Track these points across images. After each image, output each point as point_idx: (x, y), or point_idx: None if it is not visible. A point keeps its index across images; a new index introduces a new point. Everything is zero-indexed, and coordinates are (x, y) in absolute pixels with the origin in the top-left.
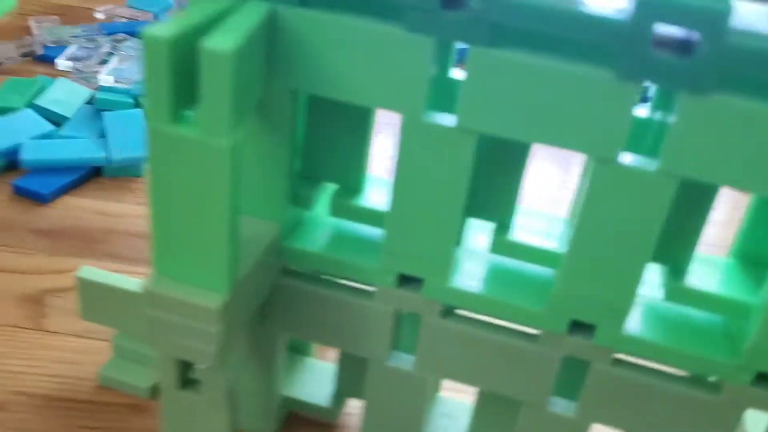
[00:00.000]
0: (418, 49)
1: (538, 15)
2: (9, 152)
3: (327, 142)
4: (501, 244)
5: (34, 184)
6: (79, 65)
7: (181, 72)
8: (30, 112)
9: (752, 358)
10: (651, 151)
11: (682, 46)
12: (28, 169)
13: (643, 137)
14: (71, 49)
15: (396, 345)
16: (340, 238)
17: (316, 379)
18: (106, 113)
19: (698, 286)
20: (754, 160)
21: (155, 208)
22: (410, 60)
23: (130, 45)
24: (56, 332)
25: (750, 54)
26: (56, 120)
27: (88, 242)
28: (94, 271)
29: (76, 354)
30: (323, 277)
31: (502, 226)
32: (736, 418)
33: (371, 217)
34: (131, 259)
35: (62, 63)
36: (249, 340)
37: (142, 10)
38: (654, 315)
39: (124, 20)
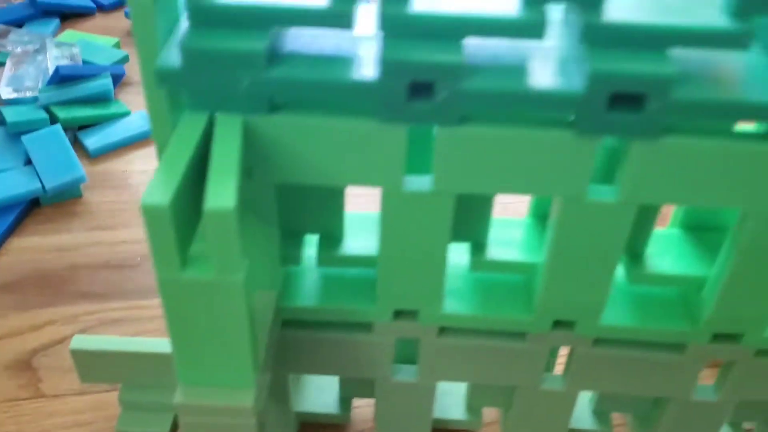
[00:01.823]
0: (392, 136)
1: (502, 98)
2: None
3: (305, 200)
4: (479, 263)
5: None
6: None
7: (182, 222)
8: None
9: (710, 324)
10: (604, 169)
11: (633, 100)
12: None
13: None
14: None
15: (397, 357)
16: (332, 286)
17: (321, 389)
18: (25, 137)
19: (656, 269)
20: (700, 183)
21: (175, 337)
22: (386, 145)
23: (16, 38)
24: (58, 395)
25: (692, 104)
26: None
27: (55, 285)
28: (84, 340)
29: (86, 413)
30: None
31: (478, 245)
32: (699, 370)
33: (356, 262)
34: (104, 294)
35: None
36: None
37: None
38: (623, 299)
39: None
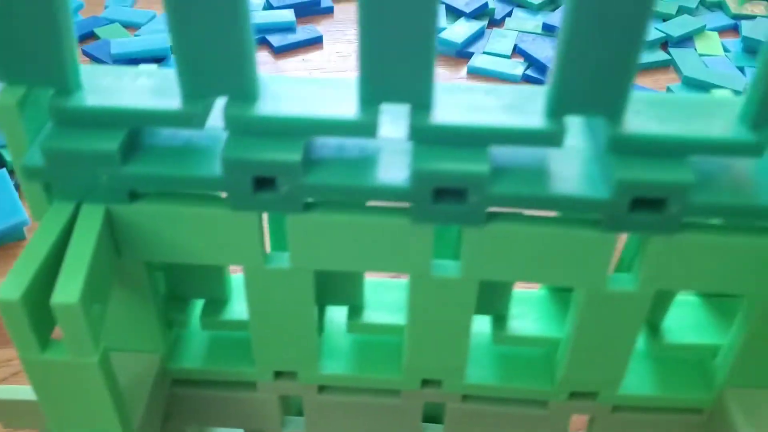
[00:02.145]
0: (244, 222)
1: (343, 191)
2: None
3: (188, 270)
4: (355, 326)
5: None
6: None
7: (37, 310)
8: None
9: (565, 383)
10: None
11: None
12: None
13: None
14: None
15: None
16: (216, 348)
17: None
18: None
19: (517, 331)
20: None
21: (43, 404)
22: (239, 229)
23: None
24: None
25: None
26: None
27: None
28: (4, 390)
29: None
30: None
31: (354, 309)
32: (564, 423)
33: (237, 326)
34: None
35: None
36: None
37: None
38: (487, 358)
39: None
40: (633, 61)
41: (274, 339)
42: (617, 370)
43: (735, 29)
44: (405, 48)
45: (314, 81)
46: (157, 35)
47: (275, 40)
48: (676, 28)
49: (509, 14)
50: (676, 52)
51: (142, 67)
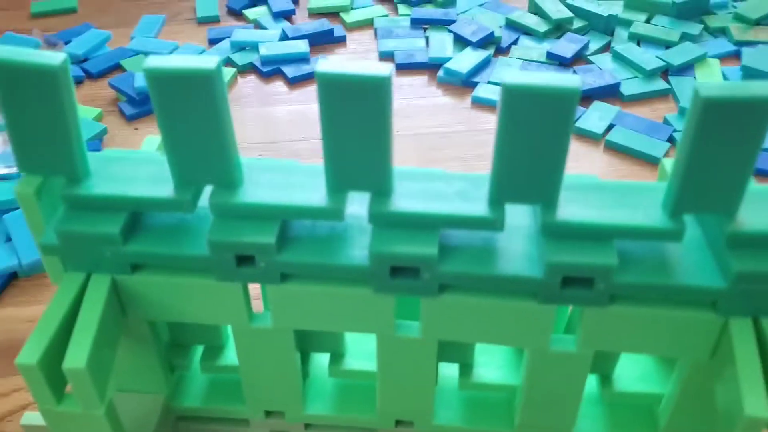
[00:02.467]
0: (230, 289)
1: (312, 268)
2: None
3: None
4: (336, 371)
5: None
6: None
7: (52, 371)
8: None
9: (523, 427)
10: None
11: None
12: None
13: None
14: None
15: None
16: (214, 389)
17: None
18: (6, 216)
19: (480, 378)
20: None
21: None
22: (227, 295)
23: None
24: None
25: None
26: None
27: None
28: (33, 416)
29: None
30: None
31: (335, 356)
32: None
33: (231, 370)
34: None
35: None
36: None
37: None
38: (455, 401)
39: None
40: (560, 160)
41: (261, 384)
42: (569, 416)
43: (737, 56)
44: (363, 148)
45: (292, 168)
46: None
47: (290, 71)
48: (677, 56)
49: (515, 42)
50: (675, 81)
51: (144, 148)
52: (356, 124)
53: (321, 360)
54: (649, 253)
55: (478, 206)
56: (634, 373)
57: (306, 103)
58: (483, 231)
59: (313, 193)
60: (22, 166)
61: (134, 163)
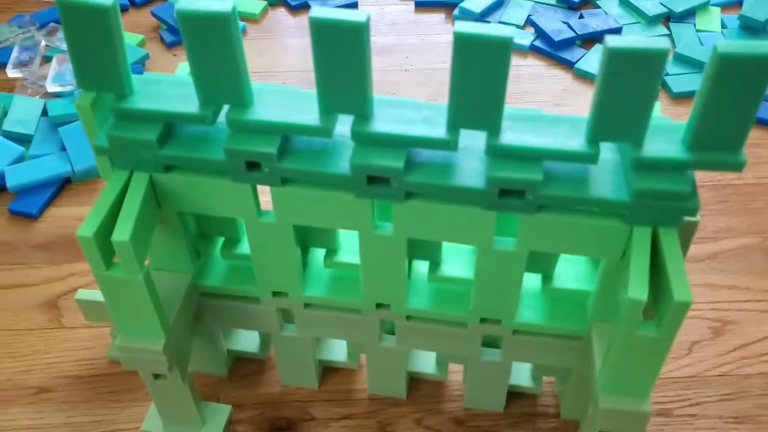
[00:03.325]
0: (242, 189)
1: (306, 174)
2: None
3: (211, 218)
4: (330, 263)
5: (23, 206)
6: (26, 72)
7: (104, 243)
8: (1, 139)
9: (475, 311)
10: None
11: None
12: (15, 192)
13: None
14: (15, 53)
15: (287, 319)
16: (231, 272)
17: (247, 335)
18: (61, 128)
19: (445, 273)
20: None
21: (111, 307)
22: (239, 193)
23: (62, 36)
24: (73, 327)
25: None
26: (22, 138)
27: (77, 247)
28: (86, 293)
29: (90, 341)
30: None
31: (330, 251)
32: (479, 340)
33: (245, 257)
34: None
35: (11, 72)
36: (198, 334)
37: None
38: (424, 291)
39: None
40: (500, 97)
41: (269, 269)
42: (511, 304)
43: (739, 4)
44: (346, 79)
45: (293, 93)
46: None
47: (316, 4)
48: (680, 2)
49: None
50: (675, 27)
51: (178, 72)
52: (340, 60)
53: (318, 254)
54: (573, 172)
55: (438, 130)
56: (569, 273)
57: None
58: (441, 150)
59: (309, 114)
60: (81, 83)
61: (169, 84)
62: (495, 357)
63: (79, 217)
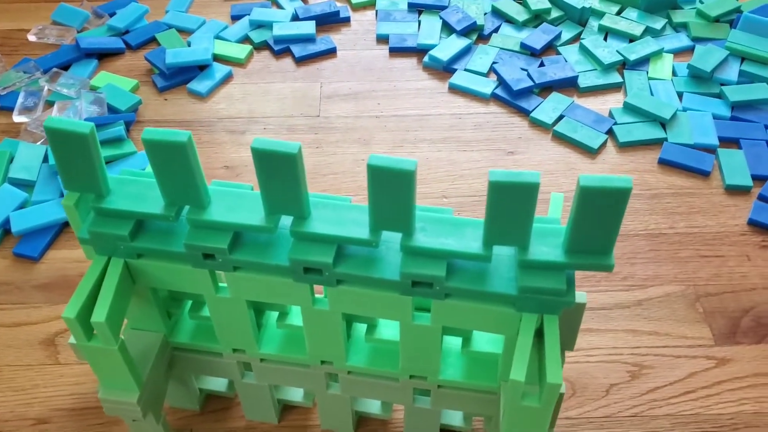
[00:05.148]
0: (201, 273)
1: (253, 266)
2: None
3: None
4: (281, 325)
5: (26, 249)
6: (31, 117)
7: (85, 321)
8: (7, 186)
9: (404, 369)
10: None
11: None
12: (19, 236)
13: None
14: (20, 99)
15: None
16: (198, 331)
17: (216, 378)
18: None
19: (379, 335)
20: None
21: (93, 368)
22: (199, 276)
23: (64, 82)
24: (68, 363)
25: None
26: (26, 184)
27: (72, 287)
28: None
29: (82, 377)
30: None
31: (281, 315)
32: (409, 392)
33: (209, 319)
34: None
35: (17, 117)
36: (173, 378)
37: (66, 25)
38: (362, 350)
39: (53, 39)
40: (409, 208)
41: (227, 331)
42: (434, 364)
43: (691, 50)
44: (285, 190)
45: (245, 195)
46: (202, 45)
47: (297, 50)
48: (635, 51)
49: (497, 29)
50: (629, 75)
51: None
52: (279, 177)
53: (273, 315)
54: (474, 268)
55: (363, 231)
56: (485, 338)
57: (307, 81)
58: (365, 247)
59: (256, 213)
60: (66, 186)
61: (142, 186)
62: (426, 405)
63: (75, 259)
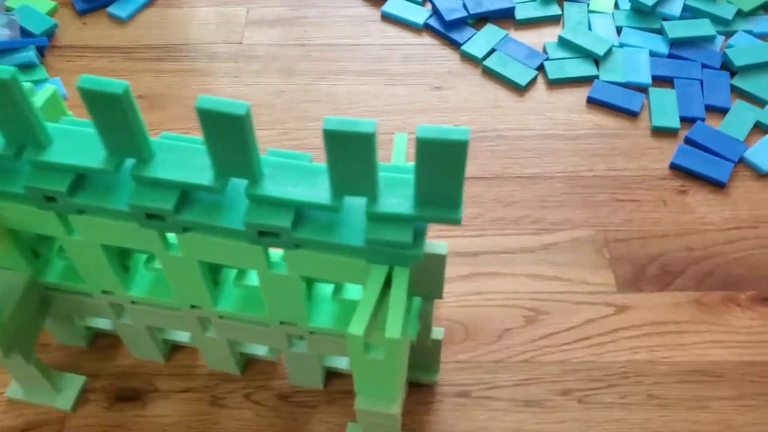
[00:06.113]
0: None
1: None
2: None
3: None
4: (150, 268)
5: None
6: None
7: None
8: None
9: (271, 315)
10: None
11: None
12: None
13: None
14: None
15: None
16: (66, 271)
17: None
18: None
19: (247, 282)
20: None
21: None
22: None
23: None
24: None
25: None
26: None
27: None
28: None
29: None
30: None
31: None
32: (282, 337)
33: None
34: None
35: None
36: (56, 318)
37: None
38: (234, 294)
39: None
40: (253, 156)
41: (92, 273)
42: (300, 312)
43: None
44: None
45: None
46: None
47: None
48: None
49: None
50: (568, 7)
51: None
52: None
53: (141, 261)
54: (325, 218)
55: (207, 176)
56: (357, 287)
57: (233, 5)
58: (210, 194)
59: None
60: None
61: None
62: (303, 349)
63: None
